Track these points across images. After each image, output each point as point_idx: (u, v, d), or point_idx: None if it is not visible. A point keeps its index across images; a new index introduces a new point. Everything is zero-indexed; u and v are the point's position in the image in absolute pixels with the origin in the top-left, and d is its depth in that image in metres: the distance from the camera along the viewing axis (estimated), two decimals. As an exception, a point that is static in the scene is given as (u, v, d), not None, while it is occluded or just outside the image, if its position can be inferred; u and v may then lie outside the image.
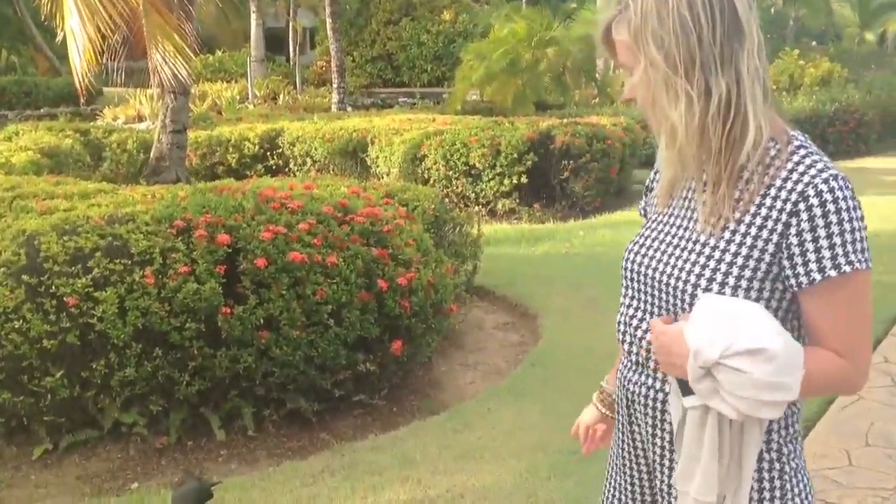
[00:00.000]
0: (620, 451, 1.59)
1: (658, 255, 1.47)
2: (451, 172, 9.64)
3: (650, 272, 1.47)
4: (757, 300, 1.35)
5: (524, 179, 9.38)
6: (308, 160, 11.20)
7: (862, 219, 1.32)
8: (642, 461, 1.54)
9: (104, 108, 18.65)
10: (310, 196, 4.51)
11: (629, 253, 1.54)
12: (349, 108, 18.76)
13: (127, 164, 11.09)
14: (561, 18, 17.57)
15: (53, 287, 3.67)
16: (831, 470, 3.54)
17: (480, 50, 16.27)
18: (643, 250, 1.51)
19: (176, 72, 9.76)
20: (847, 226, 1.30)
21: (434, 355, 4.98)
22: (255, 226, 4.05)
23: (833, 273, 1.30)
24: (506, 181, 9.43)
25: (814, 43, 26.89)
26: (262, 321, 3.91)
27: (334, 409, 4.28)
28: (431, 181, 9.54)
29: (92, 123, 13.41)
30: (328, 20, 19.16)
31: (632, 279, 1.52)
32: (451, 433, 4.03)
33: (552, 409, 4.31)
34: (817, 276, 1.30)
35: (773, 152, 1.36)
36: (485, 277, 6.43)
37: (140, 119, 16.94)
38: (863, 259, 1.31)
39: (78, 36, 8.56)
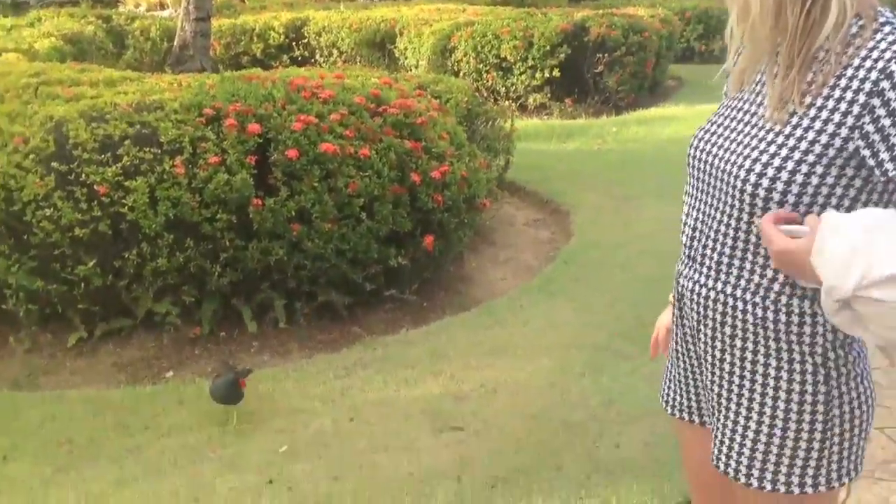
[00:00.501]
0: (675, 344, 1.55)
1: (722, 141, 1.36)
2: (481, 65, 9.37)
3: (713, 160, 1.36)
4: (826, 194, 1.23)
5: (556, 73, 9.10)
6: (335, 51, 10.93)
7: None
8: (693, 354, 1.49)
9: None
10: (341, 86, 4.37)
11: (695, 140, 1.43)
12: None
13: (150, 52, 10.89)
14: None
15: (84, 175, 3.62)
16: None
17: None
18: (708, 136, 1.40)
19: (198, -44, 9.46)
20: None
21: (465, 251, 4.92)
22: (287, 116, 3.94)
23: None
24: (538, 75, 9.16)
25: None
26: (293, 213, 3.85)
27: (365, 302, 4.26)
28: (461, 74, 9.29)
29: (114, 10, 13.11)
30: None
31: (695, 167, 1.42)
32: (482, 329, 4.01)
33: (584, 306, 4.27)
34: None
35: (854, 29, 1.21)
36: (516, 173, 6.31)
37: (162, 6, 16.56)
38: None
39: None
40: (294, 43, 11.23)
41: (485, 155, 5.15)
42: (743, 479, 1.38)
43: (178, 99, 3.99)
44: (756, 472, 1.37)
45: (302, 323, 4.13)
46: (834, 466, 1.36)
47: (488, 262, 5.12)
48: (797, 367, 1.33)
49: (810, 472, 1.35)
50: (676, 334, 1.53)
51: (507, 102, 9.08)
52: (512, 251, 5.29)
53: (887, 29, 1.20)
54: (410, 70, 9.79)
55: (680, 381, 1.56)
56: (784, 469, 1.35)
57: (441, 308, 4.40)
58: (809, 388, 1.34)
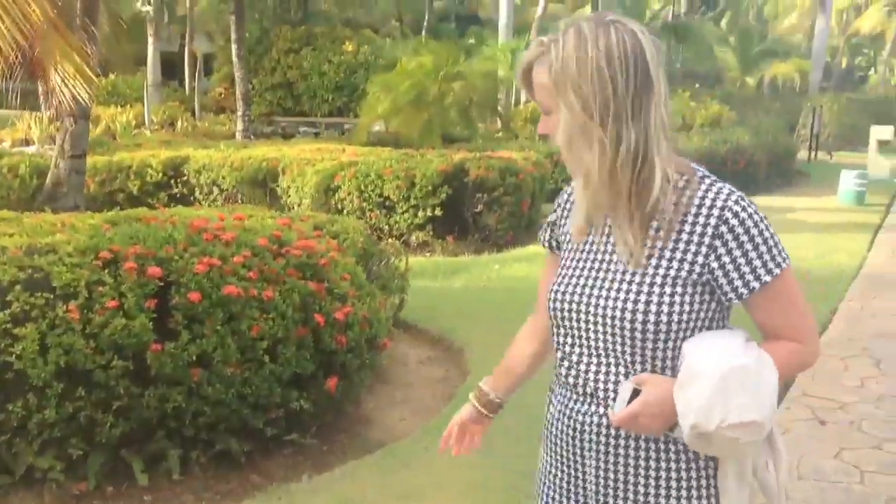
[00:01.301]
0: (561, 481, 1.67)
1: (587, 290, 1.55)
2: (365, 204, 9.56)
3: (583, 307, 1.55)
4: (689, 319, 1.49)
5: (438, 212, 9.39)
6: (215, 189, 10.90)
7: (770, 225, 1.49)
8: (590, 489, 1.60)
9: (-11, 129, 17.74)
10: (242, 227, 4.36)
11: (555, 294, 1.60)
12: (251, 137, 18.42)
13: (19, 189, 10.52)
14: (461, 54, 17.80)
15: (-32, 322, 3.40)
16: None
17: (387, 82, 16.27)
18: (570, 289, 1.58)
19: (76, 94, 9.35)
20: (766, 234, 1.47)
21: (362, 391, 4.87)
22: (189, 258, 3.87)
23: (768, 278, 1.46)
24: (420, 213, 9.42)
25: (697, 86, 28.23)
26: (194, 358, 3.73)
27: (264, 449, 4.12)
28: (345, 212, 9.43)
29: (-21, 145, 12.66)
30: (233, 46, 18.82)
31: (563, 318, 1.59)
32: (389, 473, 3.93)
33: (489, 447, 4.25)
34: (756, 285, 1.46)
35: (681, 184, 1.50)
36: (405, 311, 6.36)
37: (28, 143, 16.20)
38: (786, 257, 1.48)
39: (-26, 53, 8.09)
40: (173, 180, 11.14)
41: (381, 294, 5.19)
42: None
43: (71, 242, 3.86)
44: None
45: (197, 473, 3.93)
46: None
47: (386, 402, 5.07)
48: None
49: None
50: (564, 472, 1.66)
51: (390, 240, 9.24)
52: (408, 390, 5.27)
53: (708, 182, 1.51)
54: (293, 208, 9.86)
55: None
56: None
57: (342, 452, 4.29)
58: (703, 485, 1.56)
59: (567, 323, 1.57)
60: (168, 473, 3.85)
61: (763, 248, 1.46)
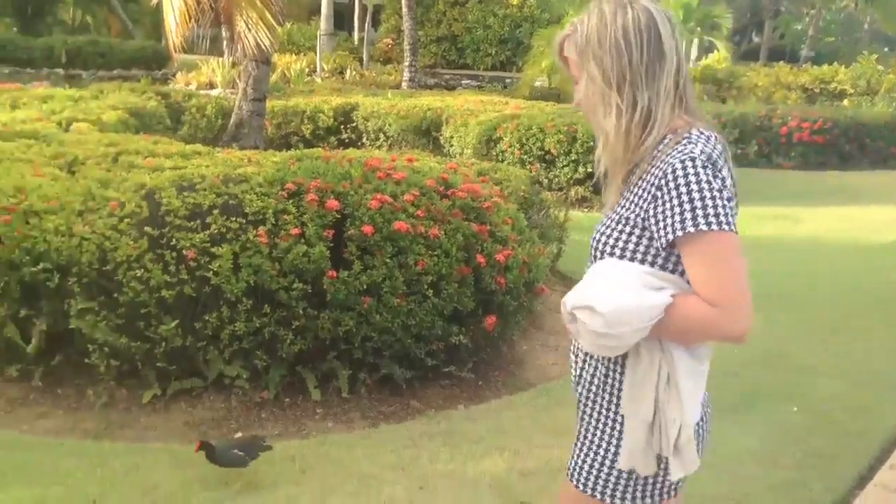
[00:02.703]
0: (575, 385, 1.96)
1: (596, 230, 1.82)
2: (525, 156, 9.68)
3: (592, 243, 1.82)
4: (643, 259, 1.68)
5: (598, 168, 9.36)
6: (381, 135, 11.32)
7: (715, 189, 1.58)
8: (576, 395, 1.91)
9: (175, 73, 18.97)
10: (412, 168, 4.60)
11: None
12: (416, 87, 18.83)
13: (205, 128, 11.32)
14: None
15: (174, 240, 3.82)
16: None
17: (551, 36, 16.16)
18: (597, 225, 1.87)
19: (259, 40, 9.93)
20: (699, 195, 1.57)
21: (516, 335, 5.05)
22: (363, 194, 4.16)
23: (689, 230, 1.58)
24: (580, 168, 9.45)
25: (886, 49, 26.23)
26: (365, 287, 4.02)
27: (423, 377, 4.38)
28: (505, 164, 9.58)
29: (171, 88, 13.65)
30: (403, -3, 19.21)
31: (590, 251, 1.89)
32: (542, 410, 4.11)
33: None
34: (674, 235, 1.60)
35: (667, 141, 1.67)
36: (562, 262, 6.48)
37: (212, 86, 17.22)
38: (722, 222, 1.57)
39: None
40: (342, 126, 11.64)
41: (540, 242, 5.33)
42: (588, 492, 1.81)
43: (261, 173, 4.23)
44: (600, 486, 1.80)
45: (363, 394, 4.26)
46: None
47: (539, 346, 5.23)
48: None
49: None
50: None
51: (549, 193, 9.33)
52: (561, 338, 5.40)
53: (683, 142, 1.65)
54: (455, 157, 10.11)
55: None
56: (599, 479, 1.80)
57: (497, 387, 4.51)
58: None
59: (590, 254, 1.85)
60: (338, 391, 4.20)
61: (688, 206, 1.57)
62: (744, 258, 1.59)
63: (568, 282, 6.42)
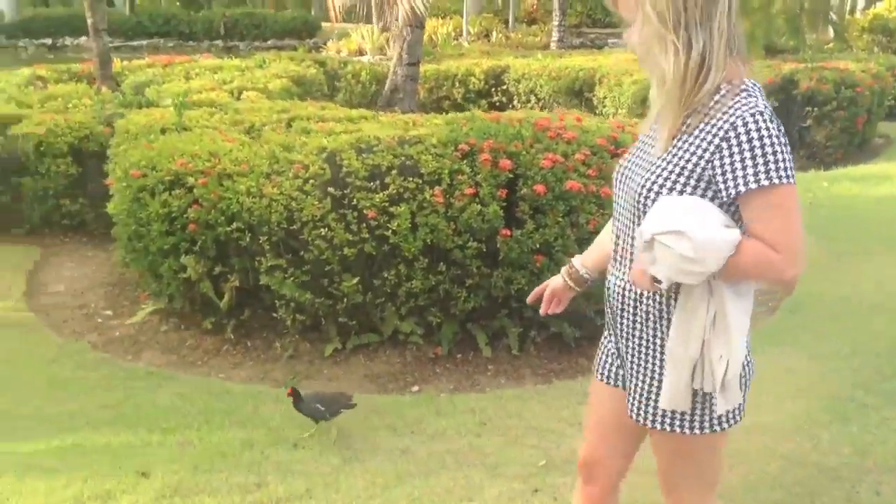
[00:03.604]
0: (606, 327, 2.01)
1: (631, 167, 1.84)
2: (682, 115, 9.40)
3: (624, 181, 1.83)
4: None
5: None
6: (532, 97, 11.27)
7: (782, 143, 1.62)
8: (617, 335, 1.92)
9: (325, 41, 19.51)
10: (581, 128, 4.58)
11: (618, 167, 1.90)
12: (565, 48, 18.57)
13: (359, 94, 11.62)
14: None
15: (355, 200, 3.99)
16: None
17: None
18: (625, 163, 1.88)
19: (414, 4, 10.06)
20: (770, 149, 1.60)
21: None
22: (535, 153, 4.18)
23: (764, 183, 1.61)
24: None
25: None
26: (538, 246, 4.06)
27: (592, 336, 4.39)
28: (662, 123, 9.36)
29: (326, 56, 14.08)
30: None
31: (616, 187, 1.89)
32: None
33: (817, 356, 4.23)
34: (745, 188, 1.62)
35: (723, 90, 1.68)
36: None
37: (361, 53, 17.61)
38: (789, 175, 1.62)
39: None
40: (493, 89, 11.67)
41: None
42: (650, 425, 1.84)
43: (434, 135, 4.32)
44: (659, 418, 1.82)
45: (532, 352, 4.33)
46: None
47: (706, 307, 5.13)
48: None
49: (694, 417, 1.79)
50: (607, 318, 1.98)
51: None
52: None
53: (743, 95, 1.66)
54: (609, 118, 9.95)
55: (612, 354, 1.99)
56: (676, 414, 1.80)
57: (666, 348, 4.46)
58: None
59: (617, 192, 1.86)
60: (507, 349, 4.28)
61: (761, 160, 1.60)
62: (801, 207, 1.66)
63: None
